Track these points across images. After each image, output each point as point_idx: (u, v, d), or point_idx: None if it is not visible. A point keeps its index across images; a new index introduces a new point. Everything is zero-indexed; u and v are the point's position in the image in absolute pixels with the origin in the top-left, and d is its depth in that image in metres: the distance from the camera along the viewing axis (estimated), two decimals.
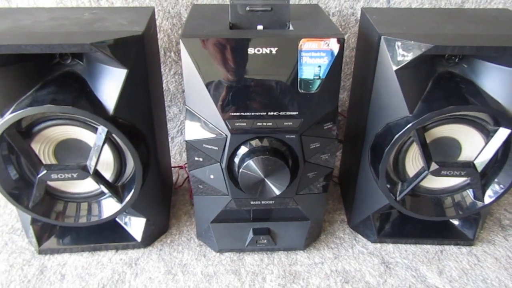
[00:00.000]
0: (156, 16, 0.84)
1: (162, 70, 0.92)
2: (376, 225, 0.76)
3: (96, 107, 0.59)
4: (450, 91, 0.62)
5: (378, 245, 0.76)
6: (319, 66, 0.57)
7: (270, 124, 0.60)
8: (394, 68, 0.60)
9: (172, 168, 0.93)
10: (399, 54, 0.59)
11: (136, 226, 0.74)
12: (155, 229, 0.75)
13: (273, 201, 0.68)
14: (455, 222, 0.77)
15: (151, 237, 0.75)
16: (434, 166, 0.63)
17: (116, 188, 0.66)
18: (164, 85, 0.93)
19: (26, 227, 0.72)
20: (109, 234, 0.74)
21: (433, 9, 0.83)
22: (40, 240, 0.72)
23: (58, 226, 0.73)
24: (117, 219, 0.75)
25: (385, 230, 0.77)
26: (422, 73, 0.63)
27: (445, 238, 0.75)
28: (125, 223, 0.75)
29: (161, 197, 0.74)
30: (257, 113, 0.59)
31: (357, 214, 0.78)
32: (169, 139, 0.99)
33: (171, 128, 0.99)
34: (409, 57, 0.58)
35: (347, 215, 0.83)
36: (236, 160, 0.61)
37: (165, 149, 0.84)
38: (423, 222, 0.75)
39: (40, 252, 0.72)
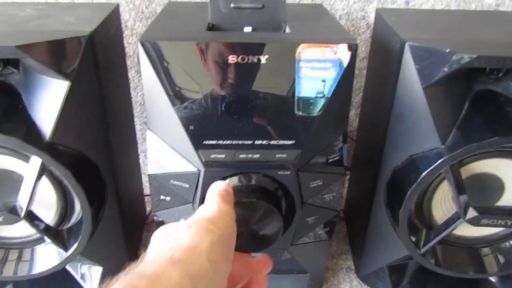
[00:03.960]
0: (128, 17, 0.70)
1: (136, 81, 0.78)
2: (391, 277, 0.61)
3: (28, 131, 0.45)
4: (493, 116, 0.48)
5: None
6: (324, 81, 0.43)
7: (258, 156, 0.45)
8: (422, 84, 0.46)
9: (147, 197, 0.78)
10: (429, 67, 0.45)
11: (92, 276, 0.59)
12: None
13: (262, 254, 0.53)
14: (492, 277, 0.61)
15: None
16: (472, 213, 0.48)
17: (58, 234, 0.51)
18: (139, 98, 0.79)
19: None
20: (58, 287, 0.59)
21: (463, 11, 0.69)
22: None
23: None
24: (68, 267, 0.60)
25: (403, 285, 0.62)
26: (457, 92, 0.48)
27: None
28: (82, 274, 0.60)
29: (123, 239, 0.60)
30: (240, 142, 0.45)
31: (368, 263, 0.63)
32: (145, 162, 0.84)
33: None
34: (442, 70, 0.44)
35: (355, 262, 0.68)
36: None
37: (134, 176, 0.69)
38: (450, 277, 0.59)
39: None
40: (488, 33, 0.52)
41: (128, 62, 0.74)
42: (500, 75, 0.50)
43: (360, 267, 0.65)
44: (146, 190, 0.79)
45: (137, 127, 0.81)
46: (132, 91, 0.78)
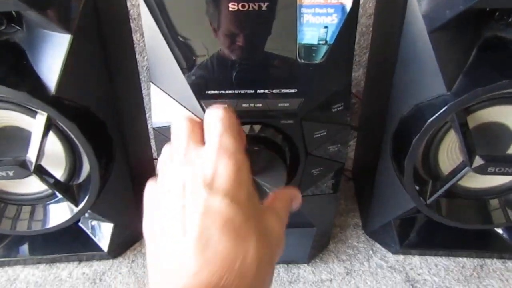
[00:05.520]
0: None
1: (142, 44, 0.78)
2: (398, 231, 0.62)
3: (34, 85, 0.45)
4: (501, 62, 0.47)
5: (401, 257, 0.61)
6: (326, 27, 0.42)
7: (260, 105, 0.45)
8: (428, 29, 0.45)
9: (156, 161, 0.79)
10: (434, 10, 0.44)
11: (103, 232, 0.61)
12: (126, 236, 0.62)
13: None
14: (499, 229, 0.61)
15: (121, 246, 0.62)
16: (478, 161, 0.48)
17: (68, 189, 0.52)
18: (145, 62, 0.79)
19: None
20: (71, 243, 0.61)
21: None
22: None
23: None
24: (80, 224, 0.61)
25: (410, 238, 0.62)
26: (464, 38, 0.47)
27: (486, 249, 0.61)
28: (92, 228, 0.62)
29: (133, 197, 0.61)
30: (242, 91, 0.44)
31: (375, 218, 0.63)
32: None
33: None
34: (448, 13, 0.43)
35: (362, 218, 0.68)
36: None
37: (144, 139, 0.70)
38: (458, 229, 0.59)
39: None
40: None
41: (133, 25, 0.74)
42: (510, 20, 0.49)
43: (368, 223, 0.65)
44: (156, 155, 0.79)
45: (145, 92, 0.81)
46: (138, 55, 0.78)
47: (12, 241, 0.61)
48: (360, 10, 0.73)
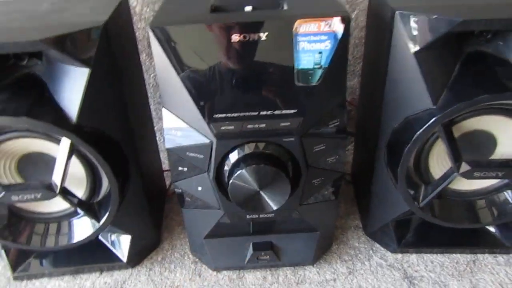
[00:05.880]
0: (135, 3, 0.74)
1: (148, 63, 0.82)
2: (396, 232, 0.66)
3: (57, 115, 0.50)
4: (482, 76, 0.51)
5: (399, 255, 0.66)
6: (320, 53, 0.47)
7: (264, 125, 0.50)
8: (413, 50, 0.49)
9: (166, 172, 0.83)
10: (418, 33, 0.48)
11: (121, 244, 0.65)
12: (143, 246, 0.67)
13: (273, 214, 0.58)
14: (490, 227, 0.66)
15: (139, 256, 0.66)
16: (465, 167, 0.52)
17: (90, 206, 0.57)
18: (151, 80, 0.84)
19: None
20: (93, 255, 0.65)
21: None
22: (14, 264, 0.64)
23: None
24: (100, 237, 0.66)
25: (407, 237, 0.66)
26: (447, 55, 0.51)
27: (478, 245, 0.65)
28: (111, 240, 0.66)
29: (147, 210, 0.65)
30: (247, 113, 0.49)
31: (374, 220, 0.68)
32: (162, 140, 0.90)
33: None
34: (431, 36, 0.47)
35: (362, 220, 0.72)
36: (226, 169, 0.51)
37: (153, 153, 0.75)
38: (451, 228, 0.64)
39: (16, 278, 0.64)
40: None
41: (139, 46, 0.78)
42: (489, 36, 0.53)
43: (367, 225, 0.70)
44: (165, 166, 0.84)
45: (152, 107, 0.85)
46: (144, 74, 0.82)
47: (38, 255, 0.65)
48: (353, 24, 0.78)
